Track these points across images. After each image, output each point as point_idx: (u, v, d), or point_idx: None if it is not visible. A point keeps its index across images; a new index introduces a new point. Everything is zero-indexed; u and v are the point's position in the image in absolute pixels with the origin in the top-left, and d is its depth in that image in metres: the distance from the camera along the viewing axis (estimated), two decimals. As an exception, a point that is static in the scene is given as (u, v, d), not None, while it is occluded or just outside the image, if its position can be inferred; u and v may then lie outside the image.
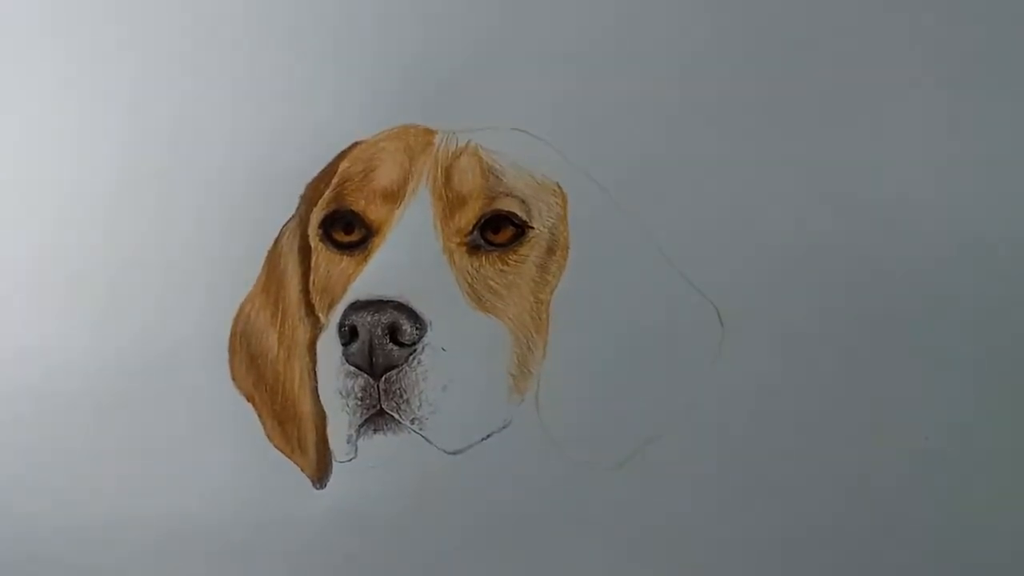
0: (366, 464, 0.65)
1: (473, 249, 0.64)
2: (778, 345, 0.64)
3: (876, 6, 0.64)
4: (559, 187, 0.65)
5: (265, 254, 0.68)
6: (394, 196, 0.65)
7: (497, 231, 0.64)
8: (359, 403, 0.63)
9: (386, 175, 0.66)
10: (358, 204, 0.66)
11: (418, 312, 0.62)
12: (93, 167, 0.69)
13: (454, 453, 0.64)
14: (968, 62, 0.64)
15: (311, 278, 0.67)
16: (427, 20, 0.67)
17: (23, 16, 0.70)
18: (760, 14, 0.65)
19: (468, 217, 0.64)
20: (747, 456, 0.64)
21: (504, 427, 0.64)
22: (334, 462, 0.66)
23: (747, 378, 0.64)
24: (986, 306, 0.63)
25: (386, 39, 0.67)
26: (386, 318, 0.61)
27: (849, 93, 0.64)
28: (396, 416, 0.62)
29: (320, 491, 0.67)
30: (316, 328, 0.66)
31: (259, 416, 0.67)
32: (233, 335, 0.68)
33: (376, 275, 0.64)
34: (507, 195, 0.64)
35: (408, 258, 0.64)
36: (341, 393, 0.63)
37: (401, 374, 0.62)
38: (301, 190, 0.67)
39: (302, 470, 0.67)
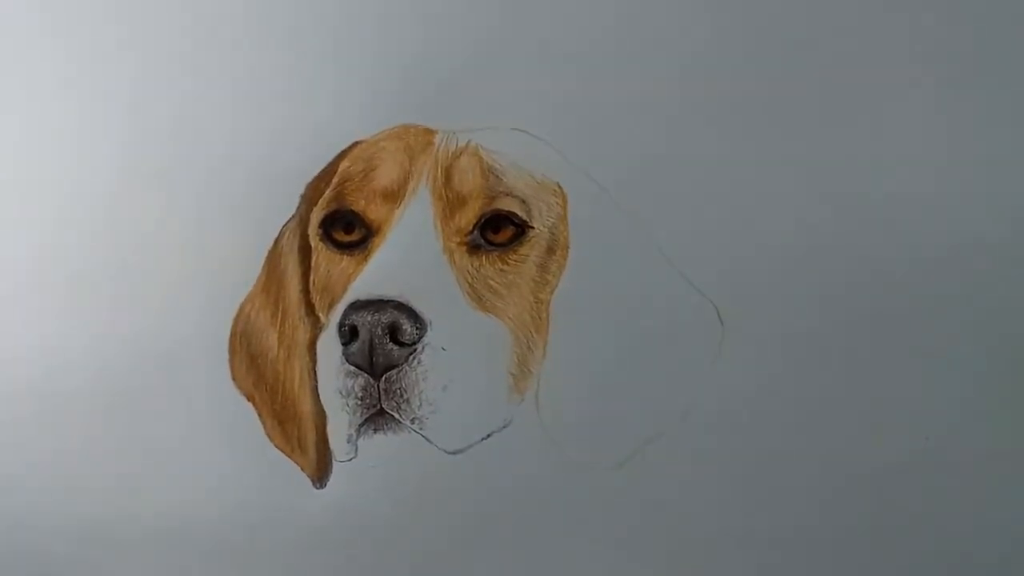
0: (366, 464, 0.65)
1: (473, 249, 0.64)
2: (778, 345, 0.64)
3: (876, 6, 0.64)
4: (559, 187, 0.65)
5: (265, 254, 0.68)
6: (394, 196, 0.65)
7: (497, 231, 0.64)
8: (359, 403, 0.63)
9: (386, 175, 0.66)
10: (358, 204, 0.66)
11: (418, 312, 0.62)
12: (93, 167, 0.69)
13: (454, 453, 0.64)
14: (968, 62, 0.64)
15: (311, 278, 0.67)
16: (427, 20, 0.67)
17: (23, 16, 0.70)
18: (760, 14, 0.65)
19: (468, 217, 0.64)
20: (747, 456, 0.64)
21: (504, 427, 0.64)
22: (334, 462, 0.66)
23: (747, 378, 0.64)
24: (986, 306, 0.63)
25: (386, 39, 0.67)
26: (386, 318, 0.61)
27: (849, 93, 0.64)
28: (396, 416, 0.62)
29: (320, 491, 0.67)
30: (316, 328, 0.66)
31: (259, 416, 0.67)
32: (233, 335, 0.68)
33: (376, 275, 0.64)
34: (507, 195, 0.64)
35: (408, 258, 0.64)
36: (341, 393, 0.63)
37: (401, 374, 0.62)
38: (301, 190, 0.67)
39: (302, 469, 0.67)
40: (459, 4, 0.67)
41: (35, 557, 0.69)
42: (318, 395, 0.65)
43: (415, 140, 0.66)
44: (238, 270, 0.68)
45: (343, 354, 0.63)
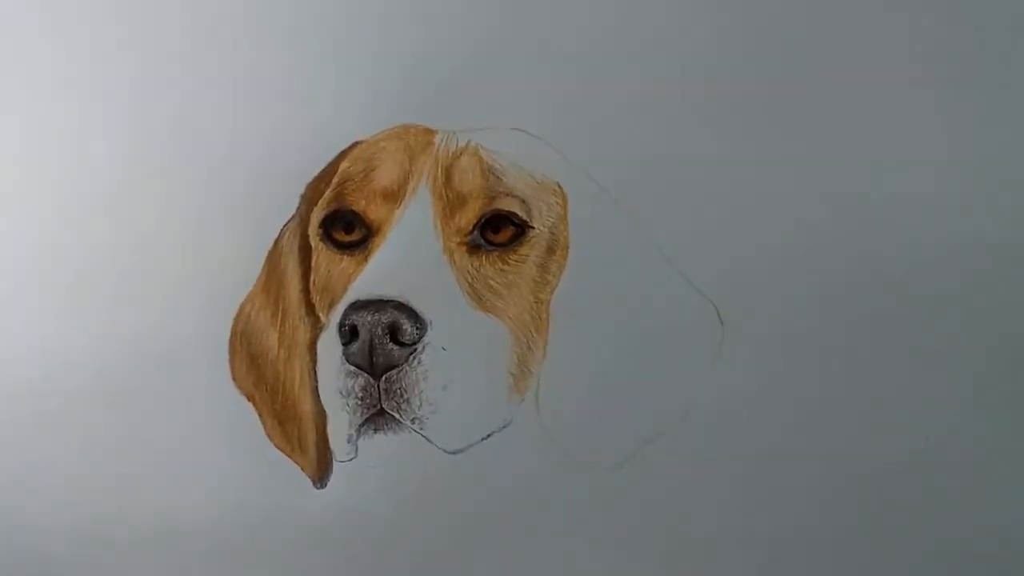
0: (366, 464, 0.65)
1: (473, 249, 0.64)
2: (778, 345, 0.64)
3: (876, 6, 0.64)
4: (559, 187, 0.65)
5: (265, 254, 0.68)
6: (394, 196, 0.65)
7: (497, 231, 0.64)
8: (359, 403, 0.63)
9: (386, 175, 0.66)
10: (358, 204, 0.66)
11: (418, 312, 0.62)
12: (93, 167, 0.69)
13: (454, 453, 0.64)
14: (968, 62, 0.64)
15: (311, 278, 0.67)
16: (427, 20, 0.67)
17: (23, 16, 0.70)
18: (760, 14, 0.65)
19: (468, 217, 0.64)
20: (747, 456, 0.64)
21: (504, 427, 0.64)
22: (334, 462, 0.66)
23: (747, 378, 0.64)
24: (986, 306, 0.63)
25: (386, 39, 0.67)
26: (386, 318, 0.61)
27: (849, 93, 0.64)
28: (396, 416, 0.62)
29: (320, 491, 0.67)
30: (316, 328, 0.66)
31: (259, 416, 0.67)
32: (233, 335, 0.68)
33: (376, 275, 0.64)
34: (507, 195, 0.64)
35: (408, 258, 0.64)
36: (341, 393, 0.63)
37: (401, 374, 0.62)
38: (301, 190, 0.67)
39: (302, 469, 0.67)
40: (459, 4, 0.67)
41: (35, 557, 0.69)
42: (318, 395, 0.65)
43: (415, 140, 0.66)
44: (238, 270, 0.68)
45: (343, 354, 0.63)
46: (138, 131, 0.69)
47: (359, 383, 0.62)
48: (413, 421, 0.62)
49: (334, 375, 0.64)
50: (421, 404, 0.62)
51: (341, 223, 0.66)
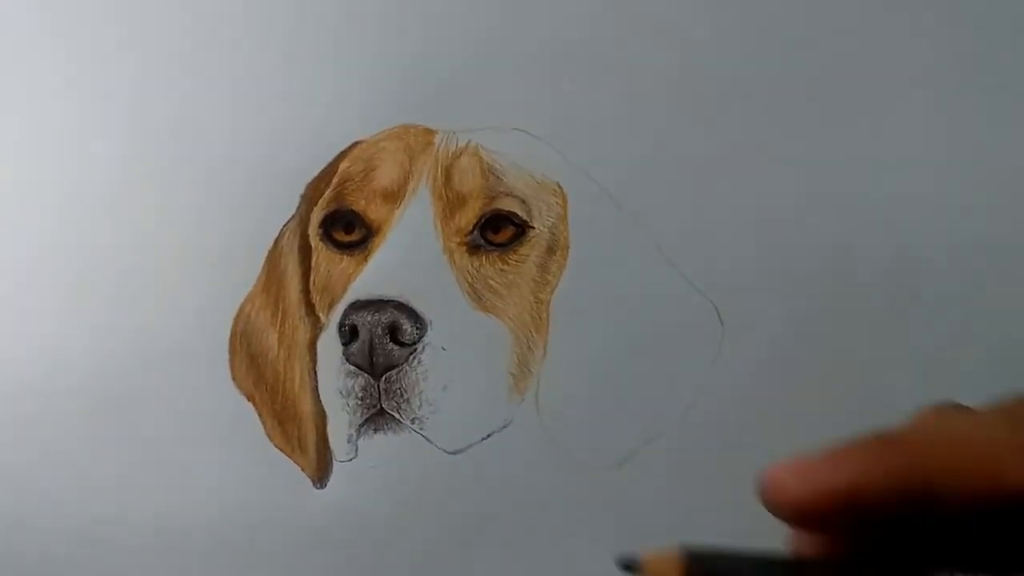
0: (366, 464, 0.65)
1: (473, 249, 0.64)
2: (778, 345, 0.64)
3: (876, 6, 0.64)
4: (559, 187, 0.65)
5: (265, 254, 0.68)
6: (394, 196, 0.65)
7: (497, 231, 0.64)
8: (359, 403, 0.63)
9: (386, 175, 0.66)
10: (358, 204, 0.66)
11: (418, 312, 0.62)
12: (93, 167, 0.69)
13: (454, 452, 0.64)
14: (968, 62, 0.64)
15: (311, 278, 0.67)
16: (427, 20, 0.67)
17: (23, 16, 0.70)
18: (760, 14, 0.65)
19: (468, 217, 0.64)
20: (747, 456, 0.64)
21: (504, 427, 0.64)
22: (334, 462, 0.66)
23: (747, 378, 0.64)
24: (986, 306, 0.63)
25: (386, 39, 0.67)
26: (386, 318, 0.61)
27: (849, 93, 0.64)
28: (396, 415, 0.62)
29: (320, 491, 0.67)
30: (316, 328, 0.66)
31: (259, 416, 0.67)
32: (233, 335, 0.68)
33: (376, 275, 0.64)
34: (507, 195, 0.64)
35: (408, 258, 0.64)
36: (341, 393, 0.63)
37: (401, 374, 0.62)
38: (301, 190, 0.67)
39: (302, 469, 0.67)
40: (459, 4, 0.67)
41: (35, 557, 0.69)
42: (318, 395, 0.65)
43: (415, 140, 0.66)
44: (238, 270, 0.68)
45: (343, 354, 0.63)
46: (138, 131, 0.69)
47: (359, 383, 0.62)
48: (413, 421, 0.62)
49: (334, 375, 0.64)
50: (421, 404, 0.62)
51: (341, 223, 0.66)
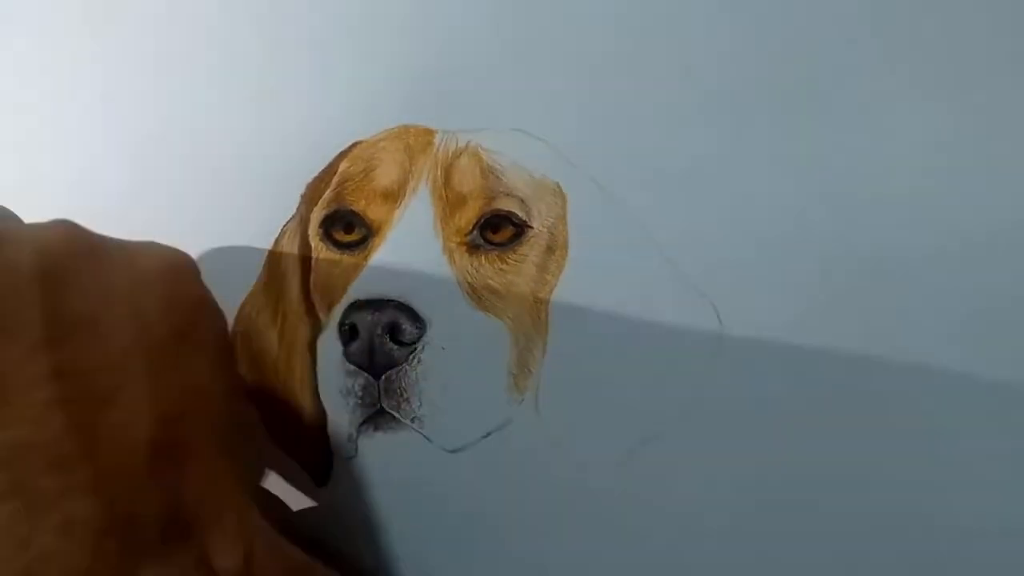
0: (367, 462, 0.65)
1: (473, 248, 0.64)
2: (778, 345, 0.64)
3: (876, 7, 0.64)
4: (559, 187, 0.65)
5: (265, 254, 0.68)
6: (394, 196, 0.65)
7: (497, 231, 0.64)
8: (359, 402, 0.63)
9: (386, 175, 0.66)
10: (358, 204, 0.66)
11: (418, 311, 0.62)
12: (93, 168, 0.69)
13: (454, 451, 0.64)
14: (968, 62, 0.64)
15: (311, 278, 0.67)
16: (427, 20, 0.67)
17: (23, 16, 0.70)
18: (760, 14, 0.65)
19: (468, 217, 0.64)
20: (747, 456, 0.64)
21: (504, 426, 0.64)
22: (334, 461, 0.66)
23: (747, 378, 0.64)
24: (986, 306, 0.63)
25: (386, 39, 0.67)
26: (386, 317, 0.61)
27: (849, 93, 0.64)
28: (396, 415, 0.62)
29: (321, 489, 0.67)
30: (316, 328, 0.66)
31: (259, 415, 0.67)
32: (233, 335, 0.68)
33: (376, 274, 0.64)
34: (507, 195, 0.64)
35: (408, 257, 0.64)
36: (342, 392, 0.63)
37: (401, 373, 0.62)
38: (301, 190, 0.67)
39: (302, 469, 0.67)
40: (459, 4, 0.67)
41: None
42: (318, 395, 0.65)
43: (415, 140, 0.66)
44: (238, 270, 0.68)
45: (343, 354, 0.63)
46: (138, 131, 0.69)
47: (359, 382, 0.63)
48: (413, 420, 0.62)
49: (334, 375, 0.64)
50: (421, 403, 0.62)
51: (341, 223, 0.66)
